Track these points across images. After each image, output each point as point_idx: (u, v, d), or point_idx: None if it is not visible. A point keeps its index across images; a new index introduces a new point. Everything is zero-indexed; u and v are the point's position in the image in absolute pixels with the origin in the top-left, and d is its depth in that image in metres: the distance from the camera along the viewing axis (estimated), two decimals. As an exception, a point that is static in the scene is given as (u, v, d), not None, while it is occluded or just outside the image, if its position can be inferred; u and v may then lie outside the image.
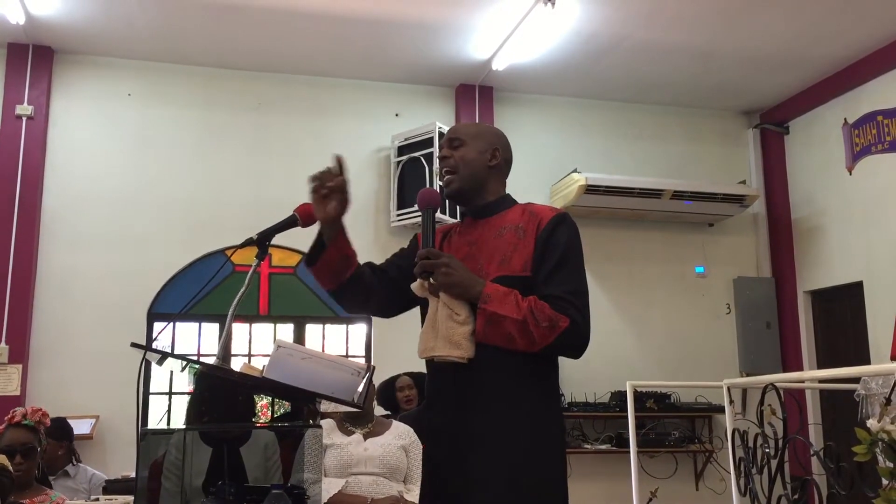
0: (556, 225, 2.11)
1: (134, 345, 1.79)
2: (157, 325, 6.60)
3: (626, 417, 5.12)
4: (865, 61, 6.84)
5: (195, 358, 6.34)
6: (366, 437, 3.52)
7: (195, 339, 6.73)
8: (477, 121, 7.34)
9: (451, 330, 1.97)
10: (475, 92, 7.37)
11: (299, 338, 6.91)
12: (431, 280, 2.01)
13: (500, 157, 2.26)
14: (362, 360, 6.90)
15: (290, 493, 2.06)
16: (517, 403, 1.98)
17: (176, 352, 6.67)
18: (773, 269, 7.87)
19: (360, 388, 1.80)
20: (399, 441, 3.55)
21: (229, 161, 6.89)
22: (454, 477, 1.96)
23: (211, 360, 6.49)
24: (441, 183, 2.28)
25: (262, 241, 2.11)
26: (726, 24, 6.28)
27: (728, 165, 7.98)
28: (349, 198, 2.20)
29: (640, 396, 6.59)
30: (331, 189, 2.16)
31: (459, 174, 2.22)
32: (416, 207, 6.70)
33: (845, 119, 7.15)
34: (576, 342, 2.01)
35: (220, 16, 6.10)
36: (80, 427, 5.79)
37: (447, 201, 2.28)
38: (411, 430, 3.65)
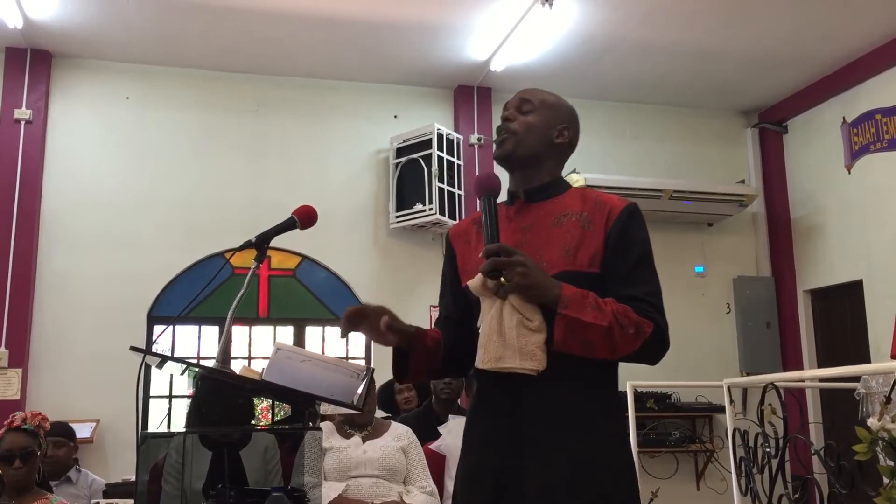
0: (630, 217, 1.89)
1: (133, 348, 1.79)
2: (157, 328, 6.59)
3: (627, 418, 5.12)
4: (863, 60, 6.84)
5: (195, 361, 6.36)
6: (365, 439, 3.51)
7: (195, 341, 6.73)
8: (476, 121, 7.34)
9: (524, 338, 1.75)
10: (474, 93, 7.37)
11: (299, 340, 6.91)
12: (503, 280, 1.73)
13: (567, 137, 2.02)
14: (362, 363, 6.89)
15: (290, 495, 2.06)
16: (584, 415, 1.79)
17: (176, 355, 6.67)
18: (772, 269, 7.88)
19: (360, 390, 1.79)
20: (398, 442, 3.55)
21: (228, 163, 6.89)
22: (510, 490, 1.76)
23: (210, 363, 6.49)
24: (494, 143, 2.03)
25: (261, 244, 2.10)
26: (724, 23, 6.28)
27: (727, 165, 7.98)
28: (388, 313, 1.90)
29: (640, 396, 6.58)
30: (367, 322, 1.90)
31: (519, 138, 1.96)
32: (414, 209, 6.72)
33: (844, 118, 7.15)
34: (660, 348, 1.83)
35: (218, 18, 6.10)
36: (80, 431, 5.77)
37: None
38: (410, 430, 3.65)
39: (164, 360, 1.87)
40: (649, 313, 1.80)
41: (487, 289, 1.77)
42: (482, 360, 1.79)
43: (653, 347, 1.80)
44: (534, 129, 1.97)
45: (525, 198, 1.97)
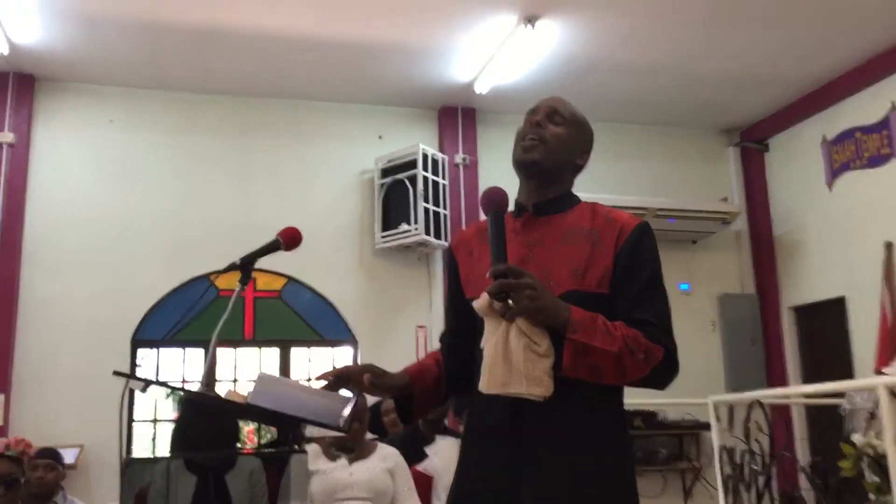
0: (641, 236, 1.83)
1: (116, 373, 1.78)
2: (141, 352, 6.55)
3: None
4: (843, 79, 6.93)
5: (179, 385, 6.32)
6: (351, 461, 3.50)
7: (180, 365, 6.68)
8: (460, 142, 7.37)
9: (531, 364, 1.68)
10: (458, 114, 7.41)
11: (284, 362, 6.88)
12: (510, 302, 1.66)
13: (585, 160, 2.02)
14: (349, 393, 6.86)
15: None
16: (589, 440, 1.73)
17: (161, 378, 6.61)
18: (756, 286, 7.93)
19: (345, 413, 1.78)
20: (384, 464, 3.53)
21: (213, 186, 6.88)
22: None
23: (195, 387, 6.43)
24: (514, 149, 1.95)
25: (246, 266, 2.09)
26: (704, 44, 6.35)
27: (710, 183, 8.04)
28: (371, 370, 1.84)
29: (627, 415, 6.58)
30: (352, 383, 1.82)
31: (548, 148, 1.90)
32: (400, 229, 6.73)
33: (824, 136, 7.23)
34: (670, 374, 1.80)
35: (203, 41, 6.12)
36: (65, 456, 5.69)
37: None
38: (397, 452, 3.63)
39: (147, 384, 1.86)
40: (659, 338, 1.76)
41: (493, 310, 1.71)
42: (487, 385, 1.72)
43: (662, 373, 1.77)
44: (562, 143, 1.93)
45: (534, 211, 1.90)
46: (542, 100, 1.99)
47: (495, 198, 1.79)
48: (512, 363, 1.68)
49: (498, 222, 1.74)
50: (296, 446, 2.14)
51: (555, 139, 1.91)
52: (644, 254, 1.82)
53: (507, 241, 1.75)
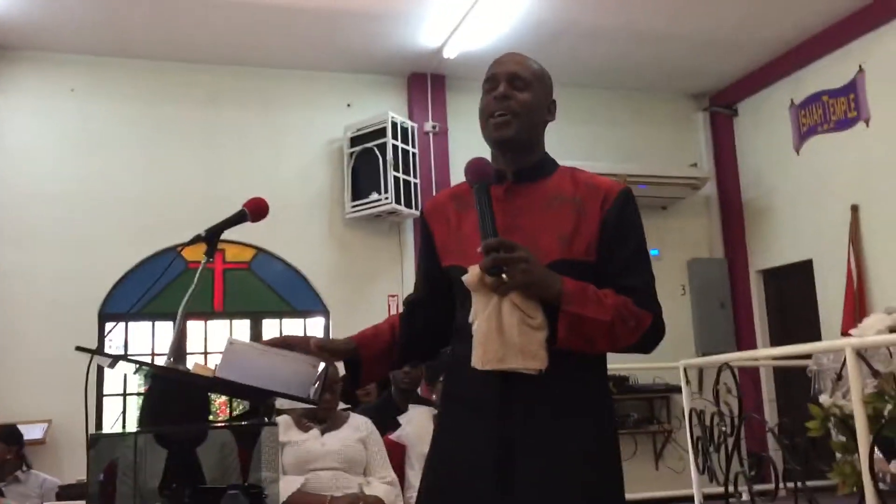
0: (626, 202, 1.82)
1: (79, 348, 1.74)
2: (109, 325, 6.48)
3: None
4: (810, 42, 6.96)
5: (147, 359, 6.26)
6: (323, 431, 3.48)
7: (149, 338, 6.62)
8: (430, 109, 7.30)
9: (526, 337, 1.65)
10: (427, 80, 7.34)
11: (256, 333, 6.84)
12: (504, 276, 1.64)
13: (553, 112, 1.94)
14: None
15: (246, 492, 2.02)
16: (582, 409, 1.74)
17: (129, 352, 6.56)
18: (725, 250, 8.00)
19: (316, 385, 1.75)
20: (357, 434, 3.52)
21: (178, 156, 6.77)
22: (500, 487, 1.69)
23: (164, 360, 6.38)
24: (481, 125, 1.88)
25: (211, 238, 2.05)
26: (674, 8, 6.34)
27: (679, 148, 8.07)
28: (313, 339, 1.87)
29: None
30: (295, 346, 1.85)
31: (521, 120, 1.82)
32: (371, 198, 6.69)
33: (792, 100, 7.27)
34: (657, 338, 1.79)
35: (165, 7, 5.98)
36: (32, 432, 5.66)
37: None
38: (369, 421, 3.62)
39: (114, 360, 1.83)
40: (647, 303, 1.76)
41: (484, 284, 1.67)
42: (481, 360, 1.68)
43: (651, 337, 1.77)
44: (532, 108, 1.85)
45: (514, 179, 1.85)
46: (498, 65, 1.90)
47: (480, 169, 1.76)
48: (506, 337, 1.66)
49: (485, 194, 1.72)
50: (266, 419, 2.11)
51: (525, 108, 1.83)
52: (630, 220, 1.82)
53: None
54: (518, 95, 1.84)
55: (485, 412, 1.73)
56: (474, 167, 1.77)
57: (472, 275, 1.69)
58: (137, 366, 2.02)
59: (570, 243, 1.76)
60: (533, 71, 1.89)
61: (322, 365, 1.84)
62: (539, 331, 1.66)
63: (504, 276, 1.64)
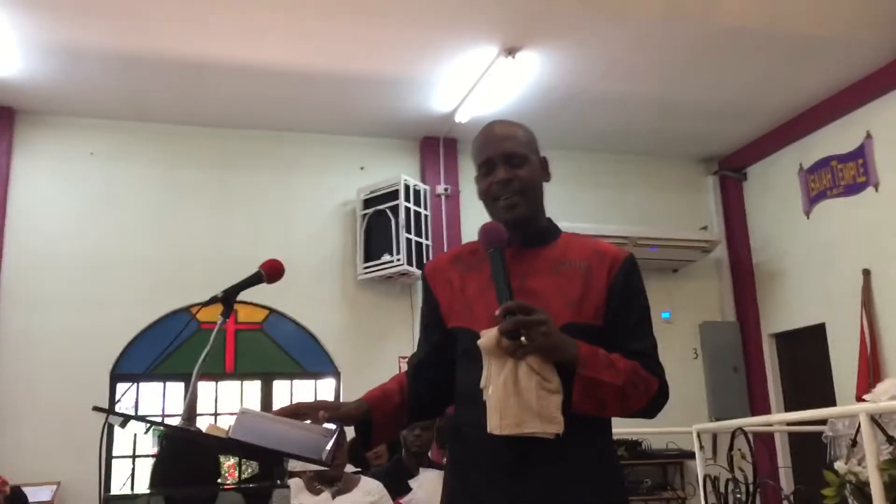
0: (631, 268, 1.84)
1: (96, 408, 1.75)
2: (121, 386, 6.48)
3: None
4: (817, 108, 7.03)
5: (159, 419, 6.24)
6: (335, 495, 3.46)
7: (160, 399, 6.60)
8: (442, 172, 7.39)
9: (545, 401, 1.64)
10: (439, 144, 7.45)
11: (266, 394, 6.82)
12: (523, 340, 1.63)
13: (548, 168, 1.95)
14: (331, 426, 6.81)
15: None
16: (596, 474, 1.73)
17: (140, 413, 6.53)
18: (737, 313, 7.97)
19: (329, 447, 1.75)
20: (368, 498, 3.50)
21: (193, 218, 6.85)
22: None
23: (175, 421, 6.35)
24: (487, 207, 1.90)
25: (228, 299, 2.07)
26: (681, 75, 6.44)
27: (689, 212, 8.11)
28: (324, 405, 1.82)
29: (611, 444, 6.57)
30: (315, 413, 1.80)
31: (528, 198, 1.85)
32: (382, 259, 6.72)
33: (801, 164, 7.32)
34: (662, 402, 1.80)
35: (184, 74, 6.12)
36: (40, 494, 5.63)
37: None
38: (381, 485, 3.60)
39: (127, 419, 1.83)
40: (654, 368, 1.78)
41: (500, 348, 1.65)
42: (499, 426, 1.66)
43: (657, 402, 1.78)
44: (535, 181, 1.88)
45: (521, 243, 1.86)
46: (489, 147, 1.90)
47: (494, 234, 1.78)
48: (524, 401, 1.64)
49: (500, 259, 1.73)
50: (278, 481, 2.10)
51: (528, 184, 1.85)
52: (635, 285, 1.84)
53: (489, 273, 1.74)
54: (519, 174, 1.85)
55: (496, 477, 1.71)
56: (488, 232, 1.79)
57: (488, 338, 1.67)
58: (151, 426, 2.02)
59: (578, 307, 1.77)
60: (523, 142, 1.90)
61: (334, 432, 1.82)
62: (556, 394, 1.65)
63: (523, 339, 1.63)
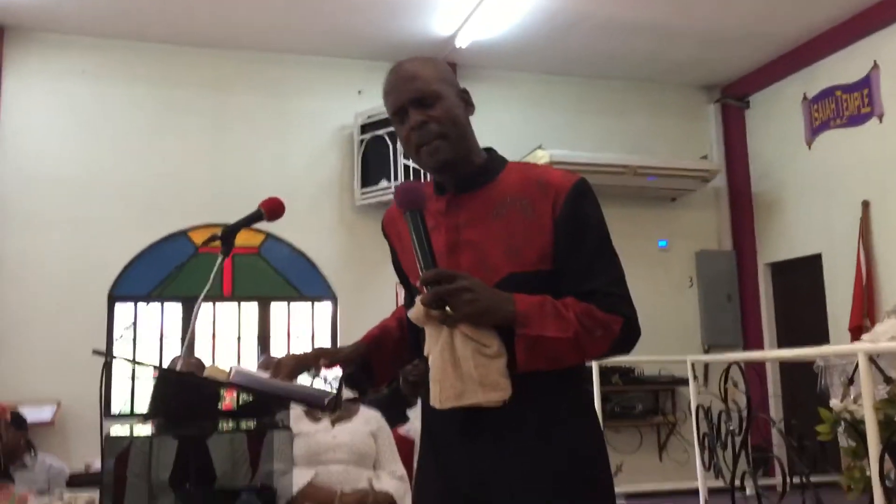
0: (579, 198, 1.63)
1: (95, 352, 1.75)
2: (118, 308, 6.50)
3: (598, 408, 5.17)
4: (823, 37, 6.90)
5: (157, 342, 6.26)
6: (334, 423, 3.50)
7: (158, 319, 6.63)
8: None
9: (484, 368, 1.51)
10: (438, 68, 7.29)
11: (264, 317, 6.85)
12: (448, 310, 1.51)
13: (470, 100, 1.73)
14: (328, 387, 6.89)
15: (259, 495, 2.03)
16: (553, 427, 1.59)
17: (139, 334, 6.57)
18: (734, 243, 7.98)
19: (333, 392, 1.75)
20: (367, 427, 3.54)
21: (188, 139, 6.76)
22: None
23: (176, 346, 6.40)
24: (412, 158, 1.71)
25: (228, 237, 2.06)
26: (686, 0, 6.28)
27: (690, 140, 8.03)
28: (323, 353, 1.74)
29: (605, 372, 6.64)
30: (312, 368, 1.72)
31: (449, 138, 1.64)
32: (380, 185, 6.68)
33: (804, 94, 7.22)
34: (630, 341, 1.61)
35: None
36: (40, 414, 5.70)
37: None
38: (380, 415, 3.63)
39: (127, 362, 1.83)
40: (616, 306, 1.58)
41: (432, 317, 1.53)
42: (440, 400, 1.55)
43: (623, 342, 1.60)
44: (453, 117, 1.66)
45: (456, 190, 1.69)
46: (396, 93, 1.69)
47: (410, 194, 1.59)
48: (462, 371, 1.52)
49: (418, 223, 1.55)
50: (281, 422, 2.12)
51: (447, 122, 1.65)
52: (586, 217, 1.63)
53: (432, 226, 1.59)
54: (433, 114, 1.65)
55: (452, 441, 1.63)
56: (403, 194, 1.60)
57: (416, 310, 1.55)
58: (153, 369, 2.03)
59: (518, 253, 1.60)
60: (432, 78, 1.68)
61: (334, 393, 1.79)
62: (496, 359, 1.52)
63: (447, 308, 1.51)
